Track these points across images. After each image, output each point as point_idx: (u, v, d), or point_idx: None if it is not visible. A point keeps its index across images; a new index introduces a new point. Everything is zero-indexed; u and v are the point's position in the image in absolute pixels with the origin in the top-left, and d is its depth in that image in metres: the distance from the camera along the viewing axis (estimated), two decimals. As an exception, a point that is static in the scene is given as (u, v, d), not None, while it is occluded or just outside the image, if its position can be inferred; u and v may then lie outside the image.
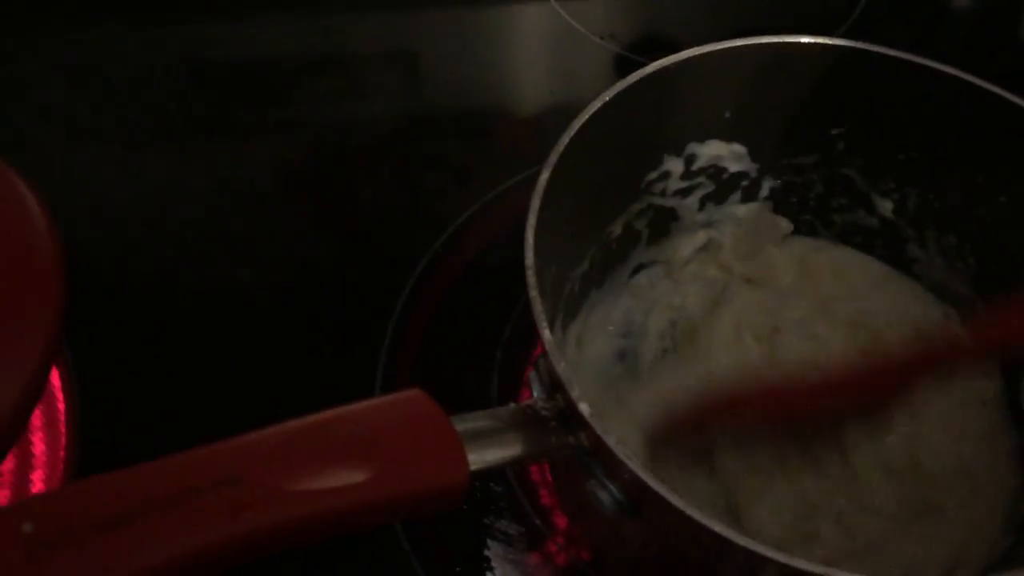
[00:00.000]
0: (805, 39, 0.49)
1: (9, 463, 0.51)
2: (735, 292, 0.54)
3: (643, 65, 0.47)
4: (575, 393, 0.36)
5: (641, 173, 0.51)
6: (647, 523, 0.38)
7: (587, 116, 0.44)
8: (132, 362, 0.56)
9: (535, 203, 0.41)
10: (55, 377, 0.54)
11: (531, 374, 0.41)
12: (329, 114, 0.71)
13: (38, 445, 0.52)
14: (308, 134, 0.70)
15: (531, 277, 0.39)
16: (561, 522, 0.50)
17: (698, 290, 0.55)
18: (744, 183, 0.55)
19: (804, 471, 0.48)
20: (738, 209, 0.56)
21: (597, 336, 0.53)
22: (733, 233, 0.56)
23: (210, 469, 0.29)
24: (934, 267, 0.54)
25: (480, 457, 0.35)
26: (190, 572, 0.29)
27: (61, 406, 0.53)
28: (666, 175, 0.52)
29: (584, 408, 0.36)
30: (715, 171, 0.53)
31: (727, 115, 0.51)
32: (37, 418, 0.52)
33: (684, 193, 0.54)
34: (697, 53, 0.47)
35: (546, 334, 0.38)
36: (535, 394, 0.40)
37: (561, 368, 0.37)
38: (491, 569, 0.48)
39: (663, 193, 0.53)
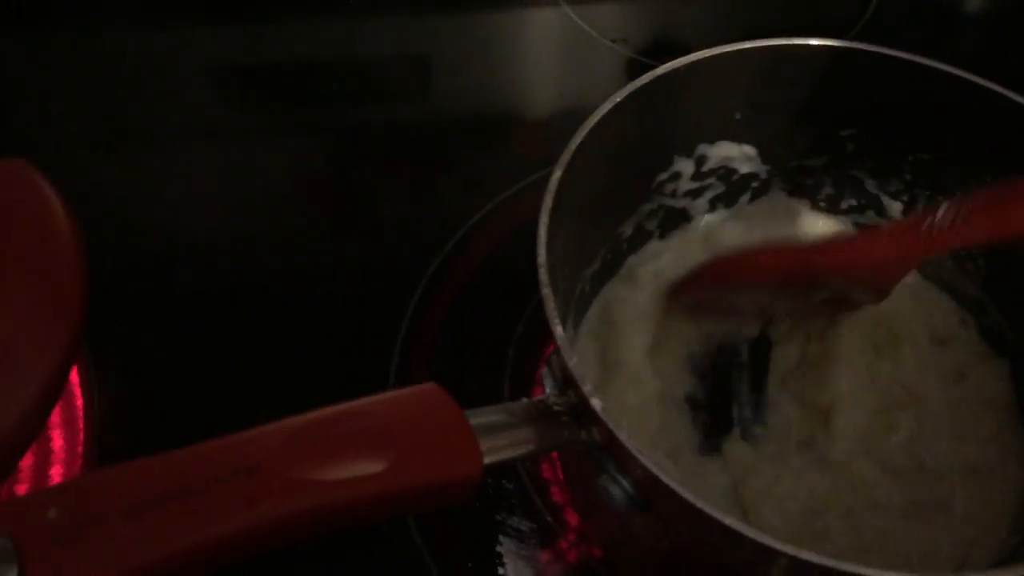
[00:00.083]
0: (815, 41, 0.49)
1: (28, 459, 0.52)
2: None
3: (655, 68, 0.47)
4: (587, 388, 0.36)
5: (652, 174, 0.52)
6: (658, 517, 0.39)
7: (599, 116, 0.45)
8: (149, 358, 0.56)
9: (547, 202, 0.42)
10: (74, 374, 0.54)
11: (544, 371, 0.41)
12: (344, 117, 0.72)
13: (57, 441, 0.53)
14: (323, 136, 0.71)
15: (543, 275, 0.40)
16: (573, 519, 0.51)
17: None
18: (754, 184, 0.55)
19: (809, 469, 0.48)
20: (747, 210, 0.56)
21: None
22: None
23: (230, 459, 0.30)
24: (943, 268, 0.54)
25: (494, 450, 0.35)
26: (209, 560, 0.29)
27: (79, 403, 0.54)
28: (676, 176, 0.53)
29: (596, 403, 0.36)
30: (725, 172, 0.54)
31: (737, 116, 0.51)
32: (56, 415, 0.53)
33: (695, 194, 0.54)
34: (708, 55, 0.48)
35: (558, 330, 0.38)
36: (547, 390, 0.40)
37: (573, 364, 0.37)
38: (503, 564, 0.49)
39: (674, 194, 0.53)
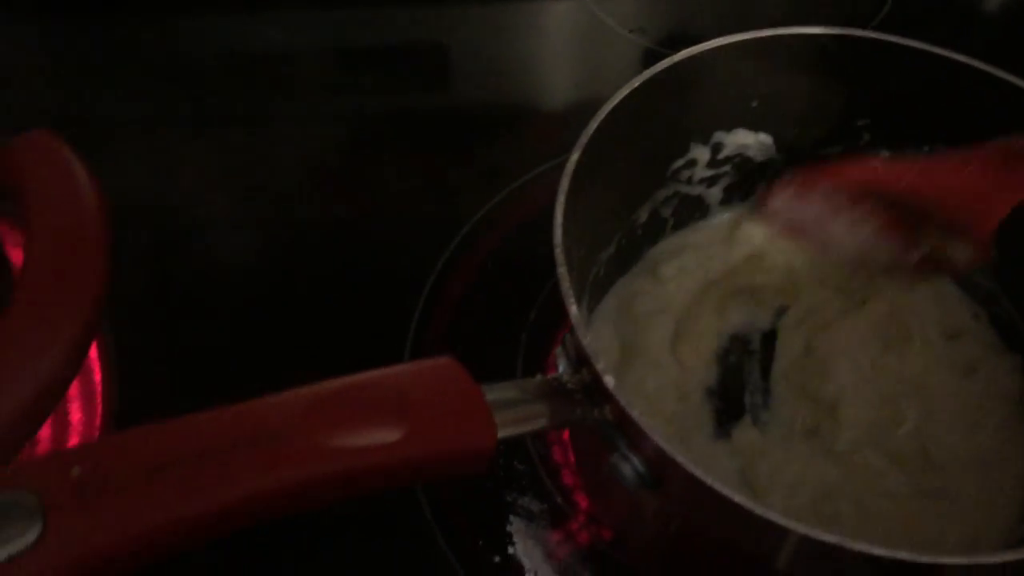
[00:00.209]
0: (833, 30, 0.49)
1: (47, 430, 0.52)
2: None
3: (672, 59, 0.48)
4: (601, 366, 0.37)
5: (668, 160, 0.52)
6: (668, 496, 0.39)
7: (617, 101, 0.45)
8: (168, 335, 0.57)
9: (564, 183, 0.42)
10: (93, 349, 0.55)
11: (558, 351, 0.42)
12: (363, 104, 0.73)
13: (75, 414, 0.54)
14: (342, 124, 0.71)
15: (560, 255, 0.40)
16: (583, 502, 0.51)
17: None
18: (769, 173, 0.55)
19: (816, 457, 0.48)
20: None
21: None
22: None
23: (252, 423, 0.31)
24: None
25: (508, 424, 0.36)
26: (230, 520, 0.30)
27: (98, 376, 0.55)
28: (692, 163, 0.53)
29: (609, 381, 0.37)
30: (741, 160, 0.54)
31: (754, 104, 0.52)
32: (75, 387, 0.54)
33: (710, 182, 0.55)
34: (726, 42, 0.48)
35: (573, 309, 0.39)
36: (561, 370, 0.41)
37: (587, 342, 0.38)
38: (512, 544, 0.49)
39: (689, 181, 0.54)
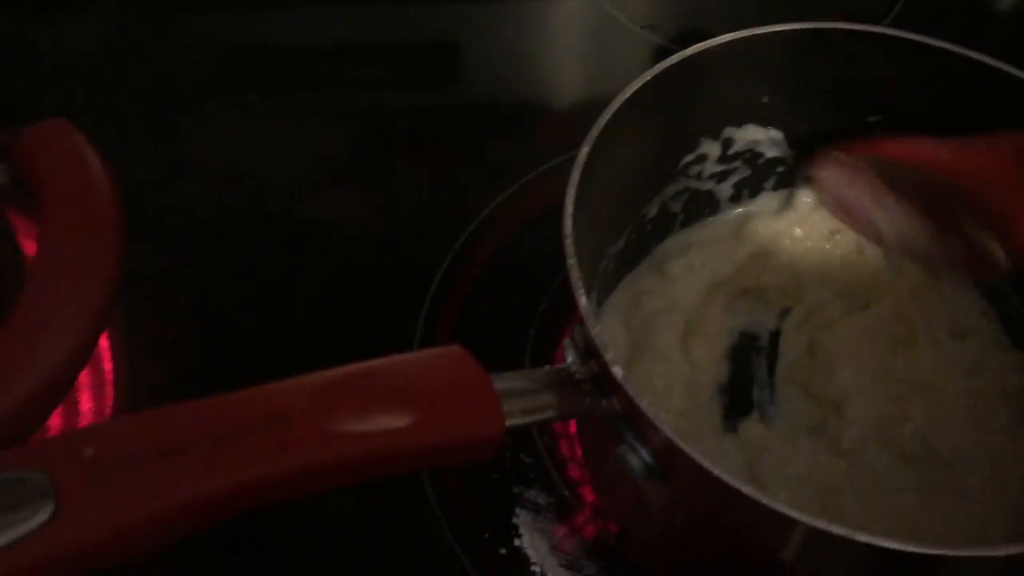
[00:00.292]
0: (844, 25, 0.49)
1: (56, 418, 0.53)
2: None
3: (684, 55, 0.48)
4: (609, 357, 0.37)
5: (678, 155, 0.52)
6: (675, 487, 0.39)
7: (628, 95, 0.45)
8: (179, 325, 0.57)
9: (575, 176, 0.42)
10: (103, 338, 0.55)
11: (566, 342, 0.42)
12: (373, 101, 0.73)
13: (85, 403, 0.54)
14: (353, 119, 0.71)
15: (569, 246, 0.40)
16: (589, 495, 0.51)
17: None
18: (779, 170, 0.56)
19: (822, 453, 0.48)
20: (771, 197, 0.57)
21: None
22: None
23: (263, 407, 0.31)
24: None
25: (516, 413, 0.36)
26: (240, 503, 0.30)
27: (108, 366, 0.55)
28: (702, 158, 0.53)
29: (617, 371, 0.37)
30: (751, 156, 0.54)
31: (765, 100, 0.52)
32: (85, 376, 0.54)
33: (720, 177, 0.55)
34: (737, 37, 0.48)
35: (582, 301, 0.39)
36: (569, 360, 0.41)
37: (596, 333, 0.38)
38: (519, 536, 0.49)
39: (699, 176, 0.54)
